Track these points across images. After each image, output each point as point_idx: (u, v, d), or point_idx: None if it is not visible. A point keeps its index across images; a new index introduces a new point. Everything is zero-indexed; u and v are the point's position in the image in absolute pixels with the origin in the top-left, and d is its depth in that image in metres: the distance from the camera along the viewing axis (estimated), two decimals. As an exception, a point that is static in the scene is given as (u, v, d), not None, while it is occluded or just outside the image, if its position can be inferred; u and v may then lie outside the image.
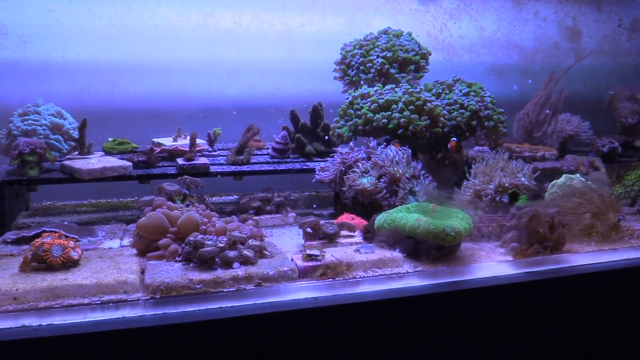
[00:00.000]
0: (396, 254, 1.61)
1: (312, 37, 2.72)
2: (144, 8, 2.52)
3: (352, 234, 1.80)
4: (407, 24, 2.80)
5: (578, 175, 2.23)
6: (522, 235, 1.72)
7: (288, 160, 2.35)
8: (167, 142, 2.36)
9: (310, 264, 1.51)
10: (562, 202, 1.94)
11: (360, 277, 1.52)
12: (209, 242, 1.51)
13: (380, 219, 1.69)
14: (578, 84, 3.04)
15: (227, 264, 1.46)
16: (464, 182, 2.11)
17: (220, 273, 1.44)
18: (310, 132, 2.42)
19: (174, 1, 2.55)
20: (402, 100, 2.15)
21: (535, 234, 1.70)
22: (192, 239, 1.50)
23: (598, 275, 1.72)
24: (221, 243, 1.52)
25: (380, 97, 2.17)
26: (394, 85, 2.23)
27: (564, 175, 2.20)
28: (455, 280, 1.57)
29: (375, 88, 2.23)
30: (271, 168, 2.24)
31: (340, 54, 2.53)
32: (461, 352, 1.60)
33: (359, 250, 1.62)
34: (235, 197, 2.48)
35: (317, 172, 2.16)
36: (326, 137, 2.38)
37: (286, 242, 1.84)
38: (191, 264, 1.50)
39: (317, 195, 2.66)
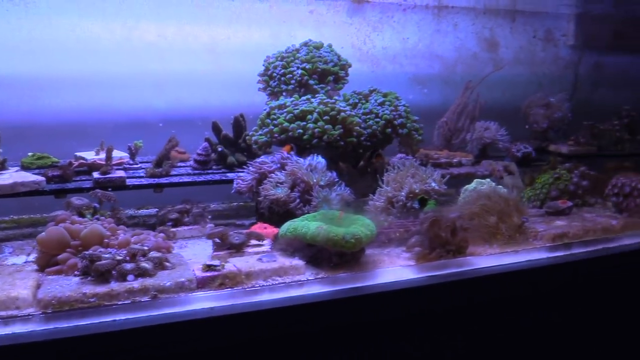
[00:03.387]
0: (297, 262, 1.59)
1: (238, 49, 2.69)
2: (65, 21, 2.45)
3: (261, 243, 1.78)
4: (332, 36, 2.79)
5: (489, 180, 2.26)
6: (425, 240, 1.72)
7: (209, 171, 2.31)
8: (90, 156, 2.30)
9: (208, 274, 1.48)
10: (469, 206, 1.95)
11: (260, 286, 1.50)
12: (106, 255, 1.46)
13: (284, 227, 1.67)
14: (497, 92, 3.08)
15: (123, 277, 1.42)
16: (378, 189, 2.11)
17: (115, 286, 1.40)
18: (232, 143, 2.40)
19: (96, 14, 2.49)
20: (317, 110, 2.14)
21: (437, 238, 1.71)
22: (88, 252, 1.46)
23: (500, 276, 1.75)
24: (119, 256, 1.48)
25: (296, 107, 2.16)
26: (310, 96, 2.22)
27: (475, 180, 2.23)
28: (356, 286, 1.56)
29: (292, 99, 2.21)
30: (190, 180, 2.20)
31: (263, 65, 2.51)
32: (364, 356, 1.59)
33: (261, 259, 1.59)
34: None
35: (235, 183, 2.13)
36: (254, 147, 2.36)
37: (199, 252, 1.79)
38: (89, 278, 1.45)
39: (244, 206, 2.62)
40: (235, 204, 2.65)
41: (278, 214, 2.01)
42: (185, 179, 2.21)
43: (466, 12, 3.01)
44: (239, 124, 2.39)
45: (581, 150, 2.76)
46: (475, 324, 1.74)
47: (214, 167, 2.36)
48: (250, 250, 1.72)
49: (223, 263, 1.52)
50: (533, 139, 2.92)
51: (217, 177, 2.24)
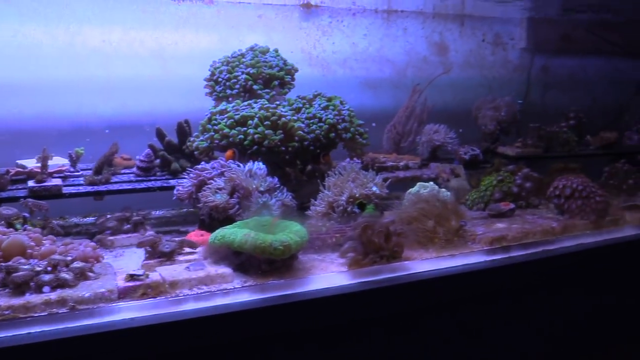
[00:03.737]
0: (225, 270, 1.55)
1: (186, 54, 2.65)
2: (6, 27, 2.38)
3: (194, 251, 1.74)
4: (281, 41, 2.77)
5: (432, 183, 2.25)
6: (358, 245, 1.70)
7: (152, 178, 2.26)
8: (31, 164, 2.24)
9: (130, 284, 1.44)
10: (407, 210, 1.94)
11: (184, 295, 1.46)
12: (25, 267, 1.42)
13: (213, 235, 1.63)
14: (448, 95, 3.09)
15: (40, 288, 1.38)
16: (319, 194, 2.09)
17: (32, 297, 1.35)
18: (176, 149, 2.35)
19: (38, 20, 2.43)
20: (258, 115, 2.11)
21: (370, 243, 1.69)
22: (5, 264, 1.41)
23: (435, 281, 1.73)
24: (39, 267, 1.43)
25: (237, 112, 2.13)
26: (251, 101, 2.19)
27: (418, 184, 2.22)
28: (285, 293, 1.53)
29: (233, 104, 2.18)
30: (130, 187, 2.15)
31: (209, 70, 2.47)
32: (294, 364, 1.57)
33: (189, 268, 1.56)
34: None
35: (175, 189, 2.09)
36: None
37: (134, 261, 1.75)
38: (7, 290, 1.41)
39: (194, 212, 2.58)
40: (184, 210, 2.61)
41: (218, 220, 1.97)
42: (125, 186, 2.16)
43: (415, 16, 3.01)
44: (182, 129, 2.35)
45: (528, 152, 2.76)
46: (411, 329, 1.72)
47: (158, 173, 2.32)
48: (181, 258, 1.68)
49: (147, 272, 1.48)
50: (484, 141, 2.92)
51: (158, 183, 2.20)
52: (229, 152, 2.13)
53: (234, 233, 1.57)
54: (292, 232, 1.61)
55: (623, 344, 2.23)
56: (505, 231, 2.00)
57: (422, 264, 1.76)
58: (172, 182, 2.21)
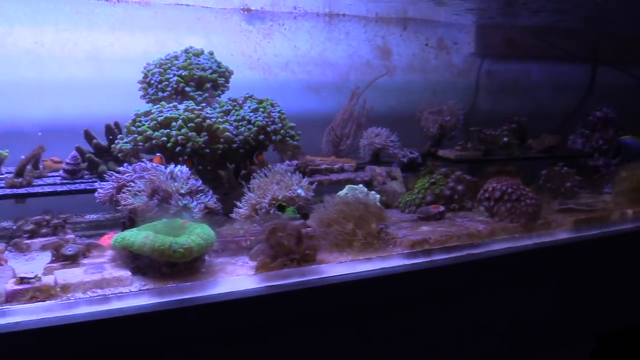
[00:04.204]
0: (123, 273, 1.50)
1: (122, 56, 2.60)
2: None
3: (102, 254, 1.68)
4: (221, 44, 2.73)
5: (361, 185, 2.21)
6: (268, 248, 1.65)
7: (78, 181, 2.20)
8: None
9: (19, 287, 1.38)
10: (327, 212, 1.90)
11: (76, 299, 1.40)
12: None
13: (114, 238, 1.58)
14: (392, 99, 3.06)
15: None
16: (243, 197, 2.04)
17: None
18: (105, 151, 2.30)
19: (-35, 20, 2.37)
20: (182, 117, 2.06)
21: (280, 246, 1.64)
22: None
23: (349, 285, 1.68)
24: None
25: (160, 114, 2.08)
26: (176, 103, 2.14)
27: (347, 186, 2.18)
28: (184, 297, 1.48)
29: (157, 106, 2.13)
30: (51, 190, 2.09)
31: (142, 72, 2.41)
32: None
33: (87, 271, 1.50)
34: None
35: (96, 192, 2.03)
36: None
37: (43, 264, 1.69)
38: None
39: (129, 215, 2.52)
40: (119, 214, 2.54)
41: (138, 223, 1.92)
42: (47, 189, 2.10)
43: (358, 20, 2.98)
44: (111, 131, 2.29)
45: (468, 155, 2.74)
46: (320, 334, 1.67)
47: (86, 176, 2.26)
48: (86, 262, 1.62)
49: (38, 275, 1.42)
50: (428, 145, 2.89)
51: (82, 186, 2.14)
52: (156, 159, 2.08)
53: (135, 235, 1.52)
54: (197, 234, 1.57)
55: (549, 351, 2.20)
56: (429, 234, 1.96)
57: (336, 267, 1.72)
58: (98, 184, 2.15)
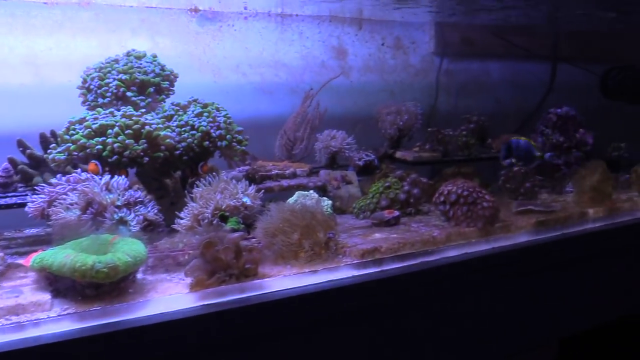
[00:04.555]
0: (42, 297, 1.37)
1: (62, 60, 2.46)
2: None
3: (25, 275, 1.55)
4: (168, 46, 2.60)
5: (312, 191, 2.10)
6: (203, 263, 1.53)
7: (10, 194, 2.05)
8: None
9: None
10: (272, 222, 1.78)
11: (-15, 328, 1.27)
12: None
13: (34, 258, 1.44)
14: (348, 101, 2.97)
15: None
16: (185, 206, 1.92)
17: None
18: (41, 162, 2.15)
19: None
20: (118, 124, 1.93)
21: (217, 261, 1.52)
22: None
23: (292, 300, 1.57)
24: None
25: (95, 122, 1.94)
26: (112, 109, 2.01)
27: (297, 193, 2.07)
28: (108, 321, 1.35)
29: (93, 113, 2.00)
30: (-25, 204, 1.94)
31: (82, 77, 2.27)
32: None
33: (1, 296, 1.36)
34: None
35: (27, 206, 1.89)
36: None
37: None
38: None
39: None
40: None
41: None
42: (-29, 203, 1.95)
43: (311, 20, 2.87)
44: (46, 140, 2.15)
45: (426, 156, 2.65)
46: (261, 354, 1.55)
47: (20, 189, 2.11)
48: (6, 284, 1.48)
49: (-57, 303, 1.29)
50: (386, 147, 2.80)
51: (13, 200, 1.99)
52: (91, 166, 1.94)
53: (54, 255, 1.39)
54: (125, 251, 1.44)
55: (512, 357, 2.12)
56: (381, 242, 1.85)
57: (279, 281, 1.60)
58: (30, 198, 2.00)
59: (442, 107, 3.29)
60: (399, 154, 2.68)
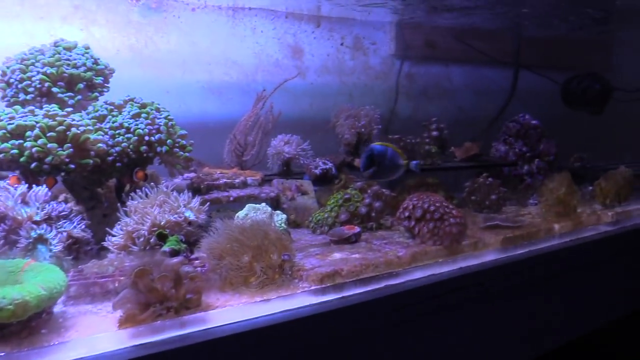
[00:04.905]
0: None
1: (-21, 50, 2.14)
2: None
3: None
4: (105, 37, 2.32)
5: (264, 204, 1.88)
6: (134, 294, 1.28)
7: None
8: None
9: None
10: (220, 242, 1.55)
11: None
12: None
13: None
14: (304, 103, 2.76)
15: None
16: (118, 222, 1.66)
17: None
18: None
19: None
20: (39, 125, 1.65)
21: (152, 292, 1.28)
22: None
23: (239, 336, 1.34)
24: None
25: (11, 122, 1.65)
26: (33, 107, 1.73)
27: (247, 206, 1.84)
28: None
29: (10, 111, 1.71)
30: None
31: (1, 69, 1.97)
32: None
33: None
34: None
35: None
36: None
37: None
38: None
39: None
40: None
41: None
42: None
43: (265, 15, 2.64)
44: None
45: (387, 166, 2.45)
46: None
47: None
48: None
49: None
50: (344, 154, 2.59)
51: None
52: (11, 179, 1.66)
53: (-55, 288, 1.12)
54: (36, 282, 1.18)
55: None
56: (342, 264, 1.65)
57: (226, 313, 1.37)
58: None
59: (401, 112, 3.12)
60: (357, 162, 2.47)
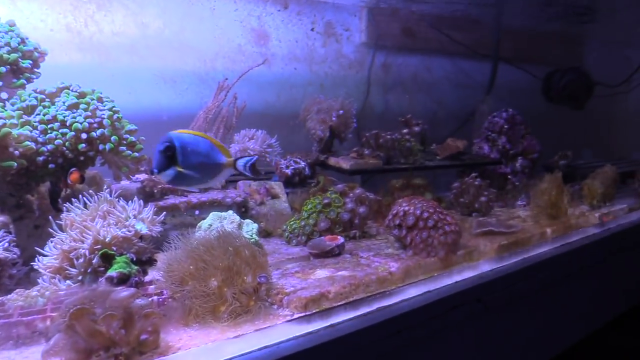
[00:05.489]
0: None
1: None
2: None
3: None
4: (35, 13, 1.99)
5: (231, 212, 1.59)
6: (69, 340, 0.97)
7: None
8: None
9: None
10: (181, 262, 1.25)
11: None
12: None
13: None
14: (271, 94, 2.47)
15: None
16: (51, 238, 1.34)
17: None
18: None
19: None
20: (-53, 117, 1.31)
21: (95, 336, 0.98)
22: None
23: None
24: None
25: None
26: (-61, 95, 1.39)
27: (211, 214, 1.55)
28: None
29: None
30: None
31: None
32: None
33: None
34: None
35: None
36: None
37: None
38: None
39: None
40: None
41: None
42: None
43: (226, -5, 2.34)
44: None
45: (365, 164, 2.19)
46: None
47: None
48: None
49: None
50: (317, 151, 2.32)
51: None
52: None
53: None
54: None
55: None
56: (327, 284, 1.37)
57: (190, 357, 1.08)
58: None
59: (374, 105, 2.87)
60: (333, 161, 2.20)
